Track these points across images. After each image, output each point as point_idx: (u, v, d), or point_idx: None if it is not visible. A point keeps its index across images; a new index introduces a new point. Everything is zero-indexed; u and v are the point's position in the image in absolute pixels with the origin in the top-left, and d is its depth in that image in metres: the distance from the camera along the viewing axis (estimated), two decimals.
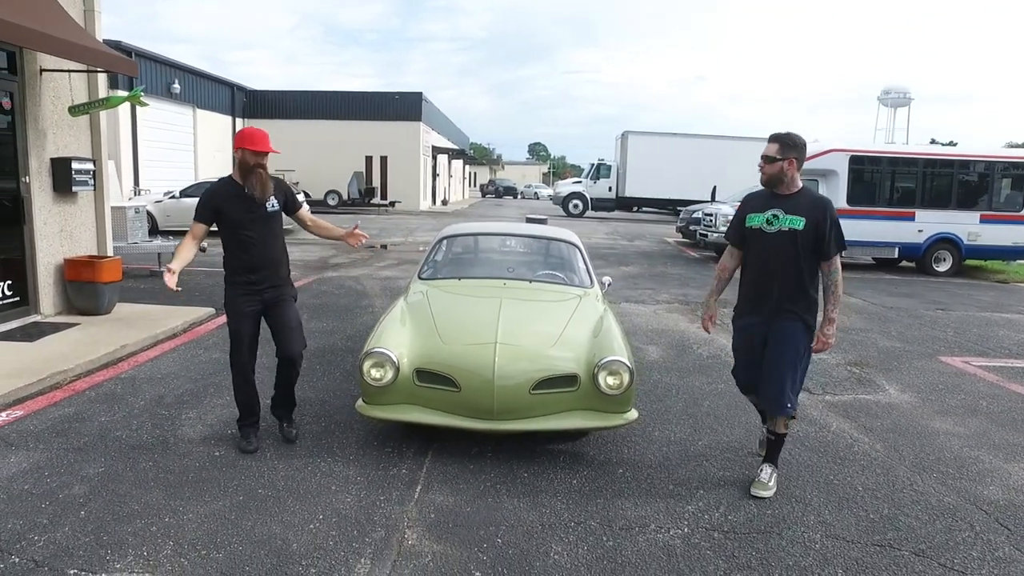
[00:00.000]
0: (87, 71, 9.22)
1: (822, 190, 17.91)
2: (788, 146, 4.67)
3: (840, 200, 17.66)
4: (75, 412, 5.89)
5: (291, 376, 5.42)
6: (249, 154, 5.05)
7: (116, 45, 23.37)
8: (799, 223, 4.63)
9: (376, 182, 40.05)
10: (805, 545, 4.15)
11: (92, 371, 7.00)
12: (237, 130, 5.45)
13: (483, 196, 78.09)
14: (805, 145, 4.73)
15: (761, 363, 4.81)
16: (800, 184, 4.75)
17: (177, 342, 8.25)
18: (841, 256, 4.72)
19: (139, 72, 9.98)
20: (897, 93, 73.52)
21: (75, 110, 8.94)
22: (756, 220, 4.81)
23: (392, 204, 38.75)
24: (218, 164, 34.09)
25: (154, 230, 18.16)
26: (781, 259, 4.70)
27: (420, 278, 6.83)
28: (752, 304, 4.90)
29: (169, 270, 4.89)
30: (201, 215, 5.15)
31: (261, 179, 5.09)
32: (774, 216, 4.73)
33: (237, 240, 5.18)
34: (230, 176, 5.19)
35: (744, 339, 4.97)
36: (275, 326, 5.32)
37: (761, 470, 4.90)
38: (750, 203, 4.93)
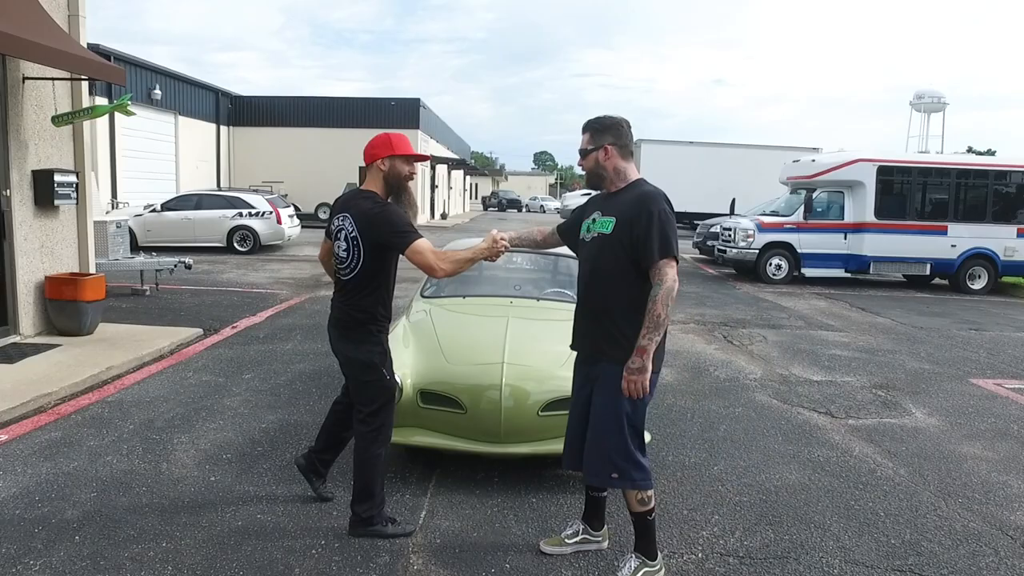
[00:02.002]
0: (71, 79, 9.48)
1: (848, 203, 18.18)
2: (598, 131, 4.11)
3: (868, 213, 17.91)
4: (62, 436, 6.10)
5: None
6: (401, 162, 4.47)
7: (95, 49, 23.73)
8: (608, 225, 4.00)
9: None
10: (823, 571, 4.34)
11: (77, 394, 7.22)
12: (372, 140, 4.74)
13: (485, 209, 78.31)
14: (621, 125, 4.12)
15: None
16: (633, 177, 4.10)
17: (164, 364, 8.47)
18: (669, 263, 3.82)
19: (126, 79, 10.24)
20: (931, 98, 73.82)
21: (58, 120, 9.19)
22: (583, 227, 4.25)
23: None
24: (202, 175, 34.45)
25: (134, 246, 18.41)
26: (592, 276, 4.10)
27: (422, 296, 7.06)
28: (574, 339, 4.33)
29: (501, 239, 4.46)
30: (412, 231, 4.30)
31: (412, 195, 4.63)
32: (592, 220, 4.16)
33: (392, 276, 4.56)
34: (374, 193, 4.44)
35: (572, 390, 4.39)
36: None
37: (624, 563, 4.22)
38: (588, 207, 4.34)
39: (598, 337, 4.02)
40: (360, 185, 4.63)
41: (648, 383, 3.87)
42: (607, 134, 4.07)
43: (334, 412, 5.00)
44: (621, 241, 3.90)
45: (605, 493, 4.50)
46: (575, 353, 5.42)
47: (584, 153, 4.14)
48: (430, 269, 4.24)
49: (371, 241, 4.28)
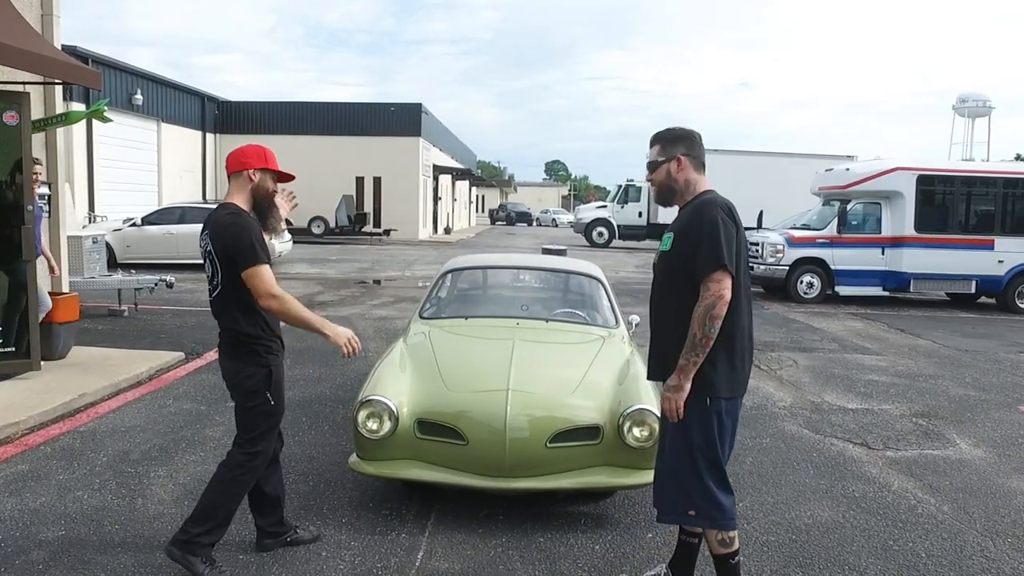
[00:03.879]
0: (43, 83, 9.53)
1: (886, 215, 18.13)
2: (669, 142, 4.15)
3: (907, 227, 17.85)
4: (29, 469, 6.08)
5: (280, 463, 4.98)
6: (271, 178, 4.58)
7: (71, 51, 23.89)
8: (667, 242, 4.10)
9: (368, 207, 40.51)
10: None
11: (47, 423, 7.21)
12: (237, 148, 4.84)
13: (492, 223, 78.54)
14: (694, 136, 4.19)
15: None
16: (701, 188, 4.14)
17: (142, 391, 8.46)
18: (715, 276, 3.81)
19: (102, 84, 10.29)
20: (975, 101, 74.00)
21: (32, 127, 9.21)
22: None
23: (387, 233, 39.15)
24: (186, 187, 34.58)
25: (112, 262, 18.44)
26: (655, 297, 4.24)
27: (421, 317, 7.05)
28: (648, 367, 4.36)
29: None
30: (264, 254, 4.36)
31: (278, 211, 4.70)
32: (661, 239, 4.24)
33: None
34: (235, 205, 4.46)
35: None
36: None
37: None
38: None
39: (661, 362, 4.06)
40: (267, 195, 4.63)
41: (682, 403, 3.86)
42: (679, 144, 4.12)
43: None
44: (677, 257, 3.98)
45: (697, 540, 4.39)
46: (586, 379, 5.39)
47: (654, 166, 4.17)
48: (258, 295, 4.26)
49: (223, 255, 4.32)
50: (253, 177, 4.48)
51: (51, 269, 9.60)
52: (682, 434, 3.95)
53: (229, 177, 4.57)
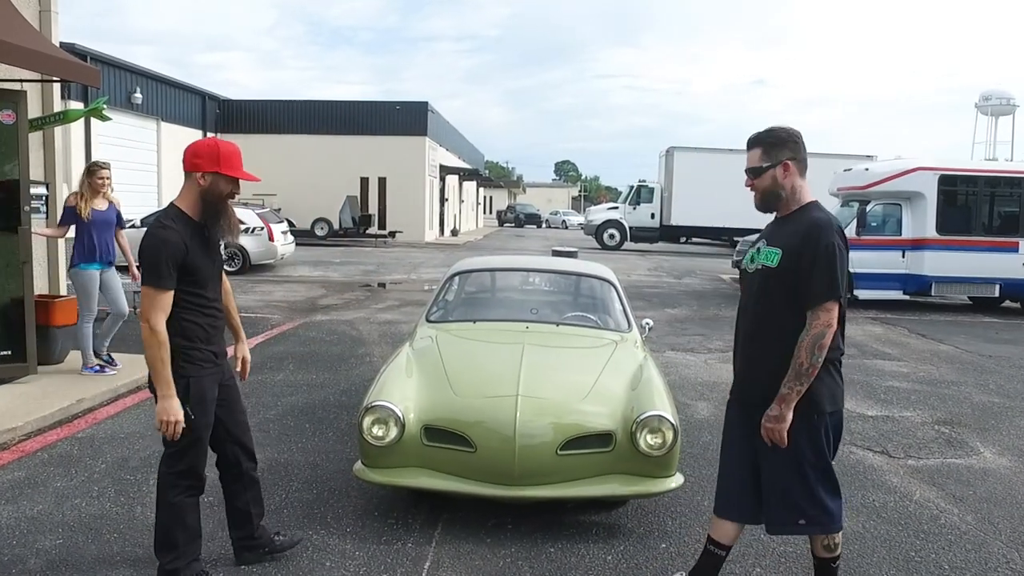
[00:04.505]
0: (41, 81, 9.56)
1: (906, 216, 18.06)
2: (774, 145, 4.12)
3: (929, 228, 17.81)
4: (26, 476, 6.10)
5: (256, 480, 4.89)
6: (224, 181, 4.35)
7: (69, 48, 23.97)
8: (773, 257, 4.05)
9: (373, 208, 40.54)
10: None
11: (44, 429, 7.23)
12: (193, 143, 4.63)
13: (501, 225, 78.62)
14: (798, 137, 4.16)
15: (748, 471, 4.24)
16: (807, 199, 4.14)
17: (141, 396, 8.46)
18: (826, 306, 3.87)
19: (101, 81, 10.29)
20: (999, 99, 73.74)
21: (28, 125, 9.23)
22: (747, 257, 4.31)
23: (392, 235, 39.16)
24: None
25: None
26: (751, 313, 4.21)
27: (428, 321, 7.05)
28: (733, 380, 4.41)
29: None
30: (167, 279, 4.16)
31: (231, 216, 4.50)
32: (757, 250, 4.22)
33: (200, 302, 4.38)
34: (178, 210, 4.34)
35: (725, 431, 4.45)
36: (227, 415, 4.66)
37: None
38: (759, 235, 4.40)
39: (757, 380, 4.08)
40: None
41: (785, 432, 3.89)
42: (784, 148, 4.09)
43: (221, 483, 4.81)
44: (786, 276, 3.95)
45: (724, 552, 4.41)
46: (598, 384, 5.39)
47: (758, 172, 4.14)
48: (140, 313, 4.16)
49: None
50: (202, 181, 4.30)
51: (132, 276, 9.59)
52: (790, 451, 3.97)
53: (185, 176, 4.40)
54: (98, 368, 9.02)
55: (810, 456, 3.99)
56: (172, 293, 4.16)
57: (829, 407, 4.01)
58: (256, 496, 4.83)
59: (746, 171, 4.20)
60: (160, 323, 4.09)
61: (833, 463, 4.10)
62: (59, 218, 9.16)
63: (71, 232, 8.99)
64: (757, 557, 5.13)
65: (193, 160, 4.34)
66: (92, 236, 8.80)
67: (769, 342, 4.04)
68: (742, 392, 4.26)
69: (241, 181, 4.43)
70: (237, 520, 4.79)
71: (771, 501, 4.13)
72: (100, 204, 8.89)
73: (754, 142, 4.16)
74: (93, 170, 8.90)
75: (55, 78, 9.46)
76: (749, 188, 4.25)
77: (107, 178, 8.95)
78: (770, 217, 4.32)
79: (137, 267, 5.35)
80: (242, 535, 4.80)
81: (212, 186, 4.31)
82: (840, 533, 4.21)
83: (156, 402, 4.15)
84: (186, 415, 4.20)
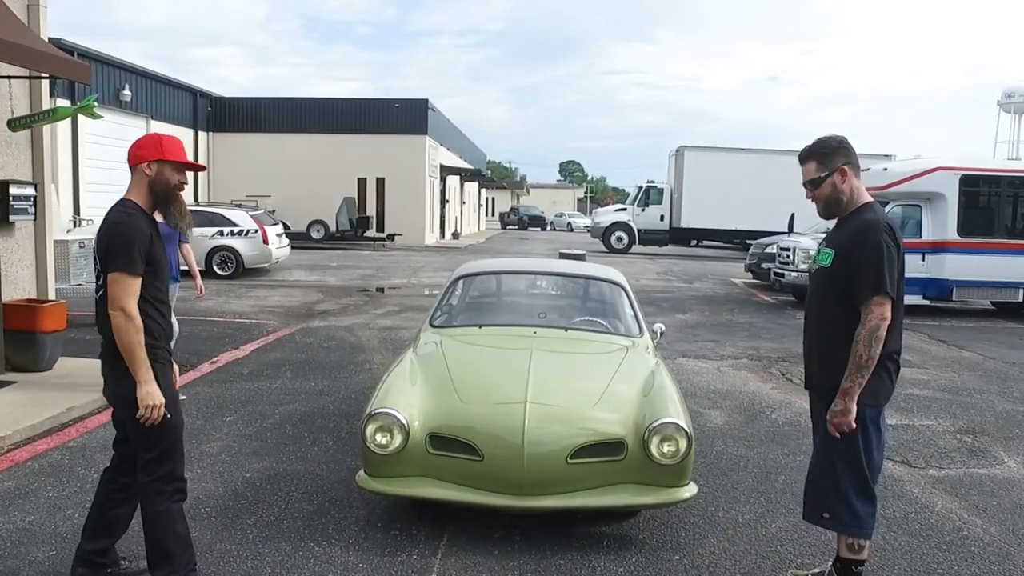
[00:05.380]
0: (30, 77, 9.60)
1: (926, 218, 18.06)
2: (827, 155, 4.50)
3: (950, 230, 17.80)
4: (16, 487, 6.15)
5: (138, 497, 4.61)
6: (170, 169, 4.44)
7: (55, 43, 24.03)
8: (827, 258, 4.49)
9: (371, 210, 40.49)
10: None
11: (34, 438, 7.29)
12: (139, 139, 4.65)
13: (503, 227, 78.55)
14: (845, 142, 4.54)
15: None
16: (863, 200, 4.53)
17: None
18: (877, 300, 4.21)
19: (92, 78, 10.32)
20: (1023, 96, 73.73)
21: (15, 124, 9.30)
22: (814, 258, 4.77)
23: (391, 237, 39.18)
24: None
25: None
26: (811, 311, 4.70)
27: (432, 326, 7.10)
28: (804, 372, 4.90)
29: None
30: (139, 265, 4.24)
31: (182, 205, 4.61)
32: (818, 251, 4.68)
33: (159, 296, 4.46)
34: (133, 203, 4.40)
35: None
36: None
37: None
38: None
39: (814, 374, 4.62)
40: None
41: (852, 423, 4.23)
42: (837, 155, 4.47)
43: (100, 486, 4.74)
44: (838, 275, 4.36)
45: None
46: (609, 391, 5.46)
47: (817, 182, 4.50)
48: (111, 301, 4.16)
49: (105, 254, 4.27)
50: (149, 171, 4.37)
51: (199, 289, 9.79)
52: (829, 443, 4.37)
53: (131, 171, 4.45)
54: None
55: (840, 444, 4.31)
56: (141, 280, 4.20)
57: (869, 400, 4.28)
58: (130, 513, 4.69)
59: (804, 184, 4.56)
60: (135, 308, 4.15)
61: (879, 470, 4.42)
62: None
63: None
64: (774, 570, 5.16)
65: (137, 153, 4.42)
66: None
67: (829, 338, 4.42)
68: (809, 382, 4.76)
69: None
70: (98, 530, 4.65)
71: (807, 488, 4.57)
72: (158, 217, 8.59)
73: (807, 155, 4.55)
74: None
75: (44, 75, 9.51)
76: (810, 200, 4.61)
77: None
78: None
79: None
80: (94, 548, 4.63)
81: (159, 175, 4.39)
82: (868, 541, 4.45)
83: (123, 389, 4.21)
84: (163, 414, 4.23)
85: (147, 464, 4.35)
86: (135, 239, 4.21)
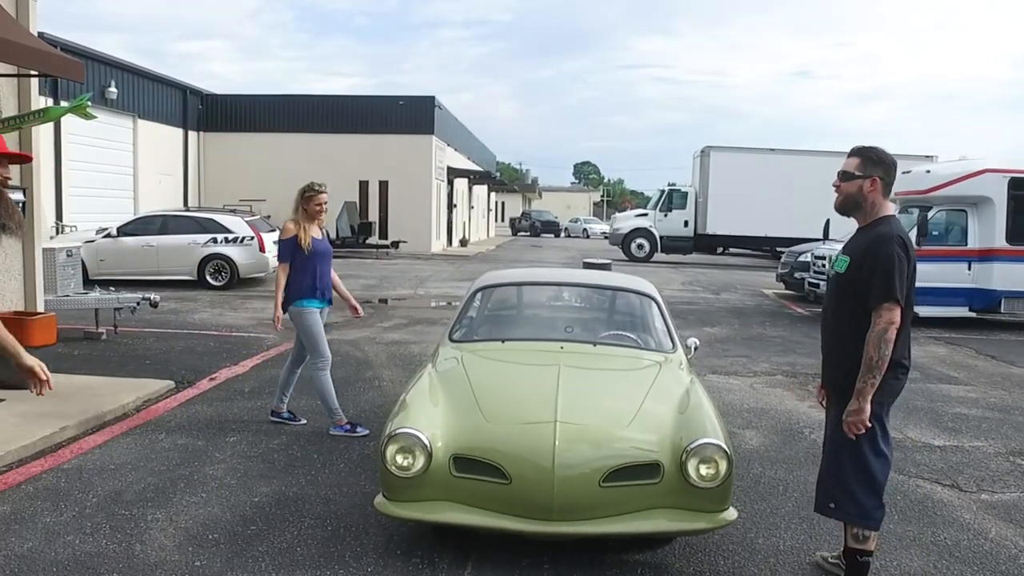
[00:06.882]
0: (18, 75, 9.70)
1: (972, 224, 18.02)
2: (872, 162, 5.04)
3: (998, 237, 17.76)
4: (12, 511, 6.23)
5: None
6: None
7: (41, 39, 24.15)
8: (843, 264, 5.12)
9: (374, 216, 40.50)
10: None
11: (26, 460, 7.38)
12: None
13: (514, 234, 78.34)
14: (893, 165, 5.10)
15: None
16: (884, 213, 5.10)
17: (130, 424, 8.62)
18: (886, 305, 4.81)
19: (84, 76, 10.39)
20: None
21: (4, 125, 9.37)
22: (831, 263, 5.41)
23: (395, 245, 39.07)
24: (166, 192, 34.76)
25: (84, 279, 18.52)
26: (827, 313, 5.35)
27: (451, 340, 7.17)
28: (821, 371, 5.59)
29: None
30: None
31: (7, 201, 4.60)
32: (836, 257, 5.31)
33: None
34: None
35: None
36: None
37: None
38: None
39: (828, 374, 5.32)
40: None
41: (867, 422, 4.83)
42: (879, 167, 5.02)
43: None
44: (851, 281, 4.98)
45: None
46: (642, 410, 5.58)
47: (848, 176, 5.07)
48: None
49: None
50: None
51: (353, 310, 9.18)
52: (837, 437, 5.02)
53: None
54: (348, 427, 8.45)
55: (846, 439, 4.93)
56: None
57: (875, 398, 4.85)
58: None
59: (839, 173, 5.10)
60: None
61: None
62: (278, 254, 8.62)
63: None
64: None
65: None
66: (314, 270, 8.43)
67: (842, 340, 5.03)
68: (824, 380, 5.44)
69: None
70: None
71: (819, 478, 5.28)
72: (315, 232, 8.57)
73: (856, 152, 5.10)
74: (310, 195, 8.57)
75: (34, 72, 9.59)
76: (835, 188, 5.15)
77: (326, 203, 8.73)
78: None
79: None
80: None
81: None
82: (873, 532, 5.08)
83: None
84: None
85: None
86: None
